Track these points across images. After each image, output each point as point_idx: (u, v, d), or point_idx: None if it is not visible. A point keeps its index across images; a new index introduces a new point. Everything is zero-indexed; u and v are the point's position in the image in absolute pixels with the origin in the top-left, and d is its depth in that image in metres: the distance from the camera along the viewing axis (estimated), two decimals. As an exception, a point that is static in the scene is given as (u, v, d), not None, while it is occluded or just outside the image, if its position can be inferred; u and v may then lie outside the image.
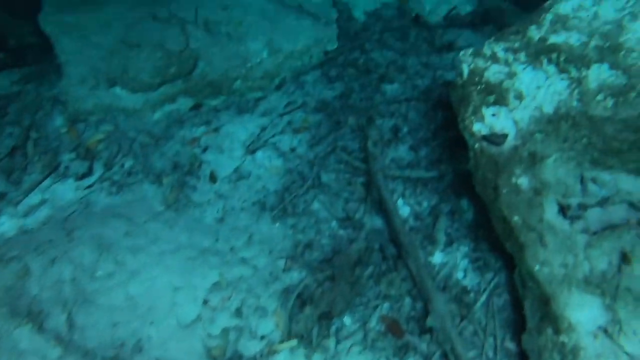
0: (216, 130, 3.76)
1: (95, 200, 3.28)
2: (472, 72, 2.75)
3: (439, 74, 4.31)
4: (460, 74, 2.83)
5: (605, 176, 2.82)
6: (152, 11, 4.42)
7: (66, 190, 3.32)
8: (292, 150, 3.63)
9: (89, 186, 3.37)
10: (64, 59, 4.08)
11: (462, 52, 2.86)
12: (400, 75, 4.30)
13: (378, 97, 4.11)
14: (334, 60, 4.45)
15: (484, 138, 2.64)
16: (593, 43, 2.83)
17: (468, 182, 3.01)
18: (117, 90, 3.86)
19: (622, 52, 2.75)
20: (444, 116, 3.87)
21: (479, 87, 2.71)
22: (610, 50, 2.78)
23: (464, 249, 3.10)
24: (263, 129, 3.81)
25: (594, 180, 2.81)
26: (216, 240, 3.10)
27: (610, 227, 2.62)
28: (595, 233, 2.64)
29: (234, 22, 4.40)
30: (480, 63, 2.77)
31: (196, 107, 3.93)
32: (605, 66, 2.77)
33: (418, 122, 3.88)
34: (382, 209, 3.22)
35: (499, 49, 2.85)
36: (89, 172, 3.45)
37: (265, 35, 4.29)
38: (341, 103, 4.04)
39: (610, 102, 2.72)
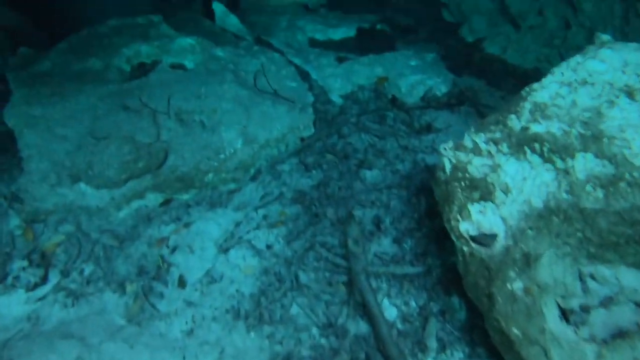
0: (187, 227, 3.50)
1: (46, 315, 2.92)
2: (454, 168, 2.61)
3: (419, 157, 4.20)
4: (443, 169, 2.69)
5: (604, 271, 2.60)
6: (123, 101, 4.30)
7: (13, 305, 2.96)
8: (269, 247, 3.38)
9: (41, 298, 3.02)
10: (27, 154, 3.87)
11: (442, 146, 2.73)
12: (379, 160, 4.18)
13: (358, 185, 3.95)
14: (311, 147, 4.33)
15: (473, 239, 2.44)
16: (575, 131, 2.74)
17: (458, 277, 2.77)
18: (81, 186, 3.62)
19: (605, 140, 2.65)
20: (428, 203, 3.70)
21: (463, 183, 2.55)
22: (592, 138, 2.68)
23: (458, 355, 2.79)
24: (237, 224, 3.57)
25: (593, 277, 2.60)
26: (183, 358, 2.74)
27: (620, 335, 2.36)
28: (604, 341, 2.38)
29: (208, 110, 4.30)
30: (462, 157, 2.63)
31: (166, 202, 3.69)
32: (590, 155, 2.66)
33: (401, 211, 3.69)
34: (367, 312, 2.93)
35: (480, 140, 2.73)
36: (42, 281, 3.12)
37: (240, 123, 4.18)
38: (319, 193, 3.85)
39: (600, 193, 2.57)
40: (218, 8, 6.17)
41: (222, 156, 3.84)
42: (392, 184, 3.94)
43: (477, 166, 2.60)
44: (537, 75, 5.62)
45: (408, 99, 4.93)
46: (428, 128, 4.50)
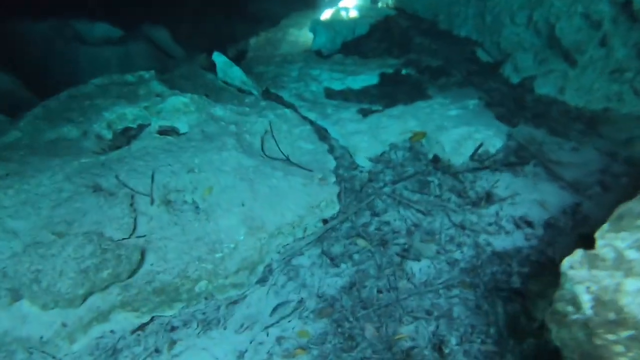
0: (167, 365, 2.44)
1: None
2: (598, 302, 1.53)
3: (482, 239, 3.12)
4: (574, 303, 1.61)
5: None
6: (95, 180, 3.37)
7: None
8: (285, 399, 2.28)
9: None
10: (-39, 259, 2.91)
11: (567, 262, 1.66)
12: (429, 246, 3.12)
13: (404, 284, 2.87)
14: (337, 230, 3.30)
15: None
16: None
17: None
18: (23, 306, 2.62)
19: None
20: (508, 311, 2.60)
21: (621, 333, 1.46)
22: None
23: None
24: (240, 355, 2.49)
25: None
26: None
27: None
28: None
29: (202, 188, 3.34)
30: (607, 280, 1.56)
31: (140, 327, 2.65)
32: None
33: (469, 324, 2.59)
34: None
35: (625, 244, 1.66)
36: None
37: (243, 204, 3.19)
38: (352, 299, 2.78)
39: None
40: (219, 60, 5.36)
41: (218, 255, 2.82)
42: (451, 281, 2.85)
43: (635, 295, 1.51)
44: (608, 117, 4.61)
45: (454, 159, 3.91)
46: (487, 197, 3.45)
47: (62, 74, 8.71)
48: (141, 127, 4.12)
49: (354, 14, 7.85)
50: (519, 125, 4.31)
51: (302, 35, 8.38)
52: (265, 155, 3.92)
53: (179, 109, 4.23)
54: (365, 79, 5.74)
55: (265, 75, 6.09)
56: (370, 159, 4.09)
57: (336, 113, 4.85)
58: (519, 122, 4.37)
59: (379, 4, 8.16)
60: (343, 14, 7.98)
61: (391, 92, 5.42)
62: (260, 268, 2.98)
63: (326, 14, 8.42)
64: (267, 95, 5.37)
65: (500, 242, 3.07)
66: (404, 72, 5.86)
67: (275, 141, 4.01)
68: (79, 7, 8.75)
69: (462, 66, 5.84)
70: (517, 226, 3.15)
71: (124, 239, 2.86)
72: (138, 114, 4.18)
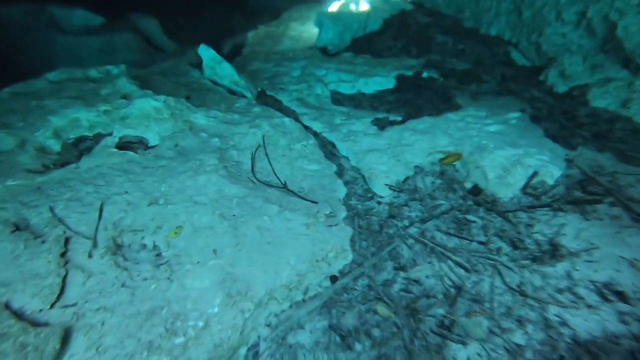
0: None
1: None
2: None
3: (554, 313, 2.23)
4: None
5: None
6: (22, 212, 2.48)
7: None
8: None
9: None
10: None
11: None
12: (477, 321, 2.23)
13: (448, 386, 1.98)
14: (349, 291, 2.41)
15: None
16: None
17: None
18: None
19: None
20: None
21: None
22: None
23: None
24: None
25: None
26: None
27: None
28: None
29: (168, 227, 2.44)
30: None
31: None
32: None
33: None
34: None
35: None
36: None
37: (221, 256, 2.29)
38: (374, 411, 1.89)
39: None
40: (206, 54, 4.46)
41: (179, 340, 1.92)
42: (516, 384, 1.96)
43: None
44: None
45: (501, 191, 3.02)
46: (553, 250, 2.56)
47: (36, 64, 7.79)
48: (98, 138, 3.22)
49: (365, 6, 6.94)
50: (578, 147, 3.42)
51: (306, 30, 7.47)
52: (257, 179, 3.02)
53: (149, 115, 3.32)
54: (380, 81, 4.84)
55: (262, 73, 5.18)
56: (391, 187, 3.20)
57: (346, 123, 3.95)
58: (577, 143, 3.48)
59: (393, -3, 7.26)
60: (353, 6, 7.06)
61: (412, 99, 4.52)
62: (242, 352, 2.08)
63: (333, 7, 7.50)
64: (262, 98, 4.46)
65: (582, 322, 2.17)
66: (425, 75, 4.96)
67: (269, 161, 3.11)
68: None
69: (495, 70, 4.94)
70: (604, 297, 2.26)
71: (41, 311, 1.96)
72: (96, 120, 3.27)
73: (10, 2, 7.79)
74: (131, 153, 3.01)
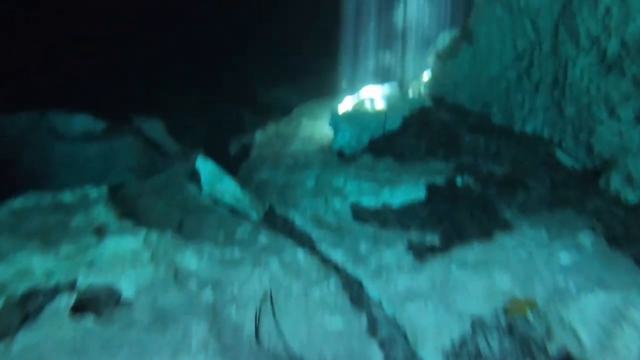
0: None
1: None
2: None
3: None
4: None
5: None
6: None
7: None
8: None
9: None
10: None
11: None
12: None
13: None
14: None
15: None
16: None
17: None
18: None
19: None
20: None
21: None
22: None
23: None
24: None
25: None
26: None
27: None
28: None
29: None
30: None
31: None
32: None
33: None
34: None
35: None
36: None
37: None
38: None
39: None
40: (204, 168, 3.84)
41: None
42: None
43: None
44: None
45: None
46: None
47: (34, 172, 7.37)
48: (54, 293, 2.44)
49: (381, 104, 6.50)
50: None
51: (318, 128, 7.01)
52: (262, 347, 2.17)
53: (124, 257, 2.58)
54: (408, 192, 4.14)
55: (271, 184, 4.54)
56: (445, 352, 2.32)
57: (374, 251, 3.18)
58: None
59: (410, 94, 6.85)
60: (368, 104, 6.64)
61: (448, 214, 3.79)
62: None
63: (346, 104, 7.10)
64: (271, 218, 3.74)
65: None
66: (459, 181, 4.26)
67: (276, 323, 2.29)
68: (63, 99, 7.61)
69: (541, 174, 4.24)
70: None
71: None
72: (54, 268, 2.53)
73: (12, 110, 7.58)
74: (91, 318, 2.22)
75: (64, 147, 7.16)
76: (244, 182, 4.45)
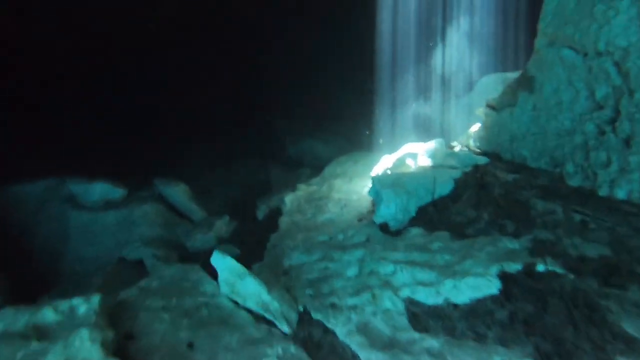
0: None
1: None
2: None
3: None
4: None
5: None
6: None
7: None
8: None
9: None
10: None
11: None
12: None
13: None
14: None
15: None
16: None
17: None
18: None
19: None
20: None
21: None
22: None
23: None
24: None
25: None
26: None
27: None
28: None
29: None
30: None
31: None
32: None
33: None
34: None
35: None
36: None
37: None
38: None
39: None
40: (221, 265, 3.09)
41: None
42: None
43: None
44: None
45: None
46: None
47: (49, 242, 6.87)
48: None
49: (425, 162, 5.71)
50: None
51: (354, 191, 6.25)
52: None
53: None
54: (476, 284, 3.27)
55: (304, 273, 3.74)
56: None
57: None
58: None
59: (457, 149, 6.04)
60: (410, 162, 5.86)
61: (536, 318, 2.88)
62: None
63: (384, 163, 6.34)
64: (305, 328, 2.91)
65: None
66: (541, 268, 3.35)
67: None
68: (82, 166, 7.19)
69: (650, 257, 3.28)
70: None
71: None
72: None
73: (32, 177, 7.23)
74: None
75: (81, 215, 6.65)
76: (271, 269, 3.68)
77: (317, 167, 8.85)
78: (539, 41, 4.75)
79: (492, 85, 7.94)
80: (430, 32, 8.00)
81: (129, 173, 7.40)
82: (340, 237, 4.44)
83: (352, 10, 8.78)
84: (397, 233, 4.43)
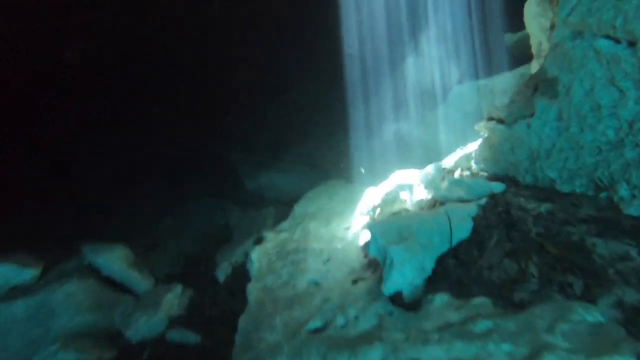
0: None
1: None
2: None
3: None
4: None
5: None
6: None
7: None
8: None
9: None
10: None
11: None
12: None
13: None
14: None
15: None
16: None
17: None
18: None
19: None
20: None
21: None
22: None
23: None
24: None
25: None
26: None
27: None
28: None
29: None
30: None
31: None
32: None
33: None
34: None
35: None
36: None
37: None
38: None
39: None
40: None
41: None
42: None
43: None
44: None
45: None
46: None
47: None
48: None
49: (423, 194, 4.56)
50: None
51: (337, 238, 4.99)
52: None
53: None
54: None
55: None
56: None
57: None
58: None
59: (458, 173, 4.92)
60: (405, 196, 4.69)
61: None
62: None
63: (372, 198, 5.15)
64: None
65: None
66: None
67: None
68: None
69: None
70: None
71: None
72: None
73: None
74: None
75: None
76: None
77: (283, 204, 7.55)
78: (559, 33, 3.75)
79: (466, 95, 7.03)
80: (402, 38, 7.00)
81: (45, 240, 5.80)
82: (340, 321, 3.14)
83: (312, 20, 7.66)
84: (415, 305, 3.20)
